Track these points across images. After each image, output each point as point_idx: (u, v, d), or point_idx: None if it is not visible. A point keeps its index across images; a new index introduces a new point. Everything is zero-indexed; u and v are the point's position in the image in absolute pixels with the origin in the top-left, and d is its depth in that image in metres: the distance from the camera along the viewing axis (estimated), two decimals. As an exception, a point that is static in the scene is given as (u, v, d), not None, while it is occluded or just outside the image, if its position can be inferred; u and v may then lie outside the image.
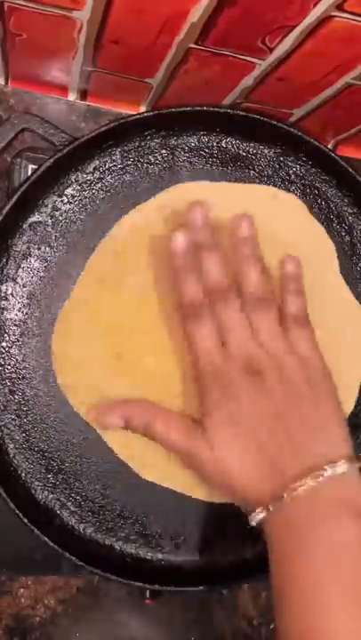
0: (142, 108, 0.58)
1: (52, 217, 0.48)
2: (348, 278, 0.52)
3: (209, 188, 0.50)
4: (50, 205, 0.48)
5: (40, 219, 0.48)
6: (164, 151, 0.49)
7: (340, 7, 0.39)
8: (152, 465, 0.49)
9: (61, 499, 0.48)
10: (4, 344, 0.48)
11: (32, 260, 0.48)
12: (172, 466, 0.47)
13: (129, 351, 0.48)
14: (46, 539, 0.45)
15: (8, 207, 0.46)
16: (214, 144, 0.50)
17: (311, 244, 0.51)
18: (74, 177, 0.48)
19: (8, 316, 0.48)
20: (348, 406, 0.51)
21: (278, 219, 0.50)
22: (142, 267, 0.48)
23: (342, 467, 0.40)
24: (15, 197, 0.46)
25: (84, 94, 0.57)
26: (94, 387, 0.48)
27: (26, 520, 0.45)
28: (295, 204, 0.51)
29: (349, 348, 0.51)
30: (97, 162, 0.49)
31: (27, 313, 0.48)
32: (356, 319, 0.52)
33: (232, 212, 0.48)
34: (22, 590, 0.56)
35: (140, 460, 0.49)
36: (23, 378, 0.48)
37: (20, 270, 0.48)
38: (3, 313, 0.48)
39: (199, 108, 0.48)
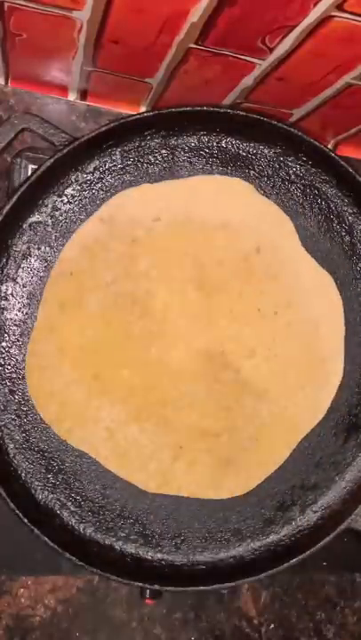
0: (142, 108, 0.58)
1: (52, 217, 0.48)
2: (347, 278, 0.52)
3: (149, 192, 0.49)
4: (50, 205, 0.48)
5: (40, 219, 0.48)
6: (164, 151, 0.49)
7: (340, 7, 0.39)
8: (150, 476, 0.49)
9: (61, 499, 0.48)
10: (3, 344, 0.48)
11: (32, 260, 0.48)
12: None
13: (106, 369, 0.48)
14: (46, 539, 0.45)
15: (8, 207, 0.46)
16: (214, 144, 0.50)
17: (268, 224, 0.50)
18: (74, 177, 0.48)
19: (8, 316, 0.48)
20: (337, 370, 0.51)
21: (228, 205, 0.50)
22: (101, 282, 0.48)
23: None
24: (15, 197, 0.46)
25: (84, 94, 0.57)
26: (79, 412, 0.48)
27: (26, 520, 0.45)
28: (241, 187, 0.50)
29: (324, 312, 0.51)
30: (97, 162, 0.49)
31: (27, 313, 0.48)
32: (321, 283, 0.51)
33: (180, 210, 0.48)
34: (22, 590, 0.56)
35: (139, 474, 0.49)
36: (23, 378, 0.48)
37: (20, 270, 0.48)
38: (3, 313, 0.48)
39: (199, 108, 0.48)
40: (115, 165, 0.49)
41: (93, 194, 0.49)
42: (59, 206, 0.48)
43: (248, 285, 0.49)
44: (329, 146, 0.62)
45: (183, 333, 0.49)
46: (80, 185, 0.48)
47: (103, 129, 0.47)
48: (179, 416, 0.48)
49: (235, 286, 0.49)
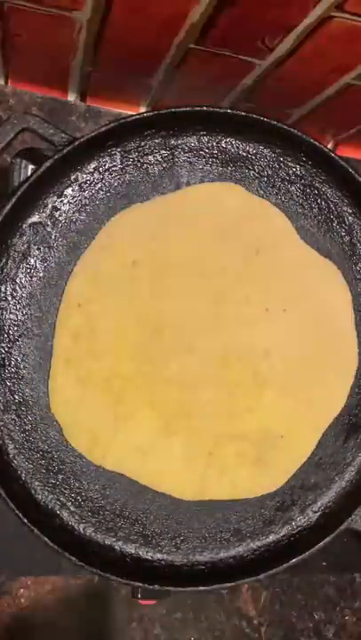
0: (142, 108, 0.58)
1: (51, 217, 0.48)
2: (347, 278, 0.52)
3: (141, 212, 0.49)
4: (50, 206, 0.48)
5: (40, 219, 0.48)
6: (163, 151, 0.49)
7: (340, 7, 0.39)
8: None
9: (61, 499, 0.48)
10: (3, 344, 0.48)
11: (32, 261, 0.48)
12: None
13: (128, 393, 0.48)
14: (46, 539, 0.45)
15: (8, 207, 0.46)
16: (214, 144, 0.50)
17: (265, 223, 0.50)
18: (74, 177, 0.48)
19: (8, 317, 0.48)
20: (352, 354, 0.51)
21: (223, 210, 0.50)
22: (109, 309, 0.48)
23: None
24: (15, 197, 0.46)
25: (84, 94, 0.57)
26: (108, 438, 0.49)
27: (26, 520, 0.45)
28: (233, 190, 0.50)
29: (332, 301, 0.51)
30: (97, 162, 0.49)
31: (26, 313, 0.48)
32: (325, 274, 0.51)
33: (176, 224, 0.49)
34: (22, 590, 0.56)
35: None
36: (23, 378, 0.48)
37: (20, 271, 0.48)
38: (2, 313, 0.48)
39: (199, 108, 0.48)
40: (115, 165, 0.49)
41: (93, 194, 0.49)
42: (59, 206, 0.48)
43: (253, 287, 0.49)
44: (329, 146, 0.62)
45: (197, 345, 0.49)
46: (80, 185, 0.48)
47: (103, 129, 0.47)
48: (205, 424, 0.49)
49: (240, 290, 0.49)
